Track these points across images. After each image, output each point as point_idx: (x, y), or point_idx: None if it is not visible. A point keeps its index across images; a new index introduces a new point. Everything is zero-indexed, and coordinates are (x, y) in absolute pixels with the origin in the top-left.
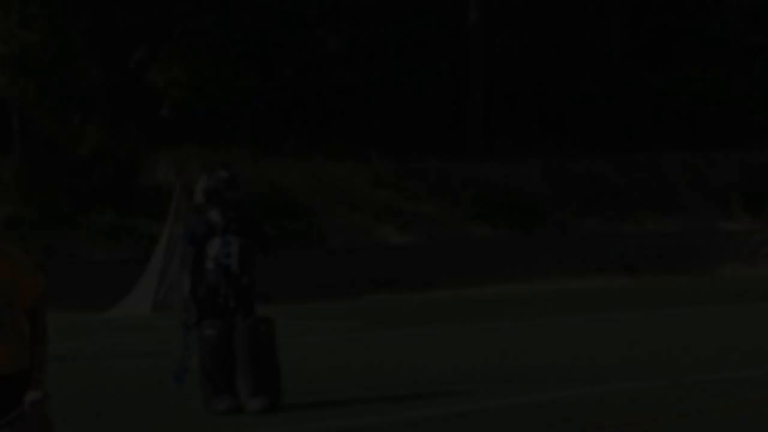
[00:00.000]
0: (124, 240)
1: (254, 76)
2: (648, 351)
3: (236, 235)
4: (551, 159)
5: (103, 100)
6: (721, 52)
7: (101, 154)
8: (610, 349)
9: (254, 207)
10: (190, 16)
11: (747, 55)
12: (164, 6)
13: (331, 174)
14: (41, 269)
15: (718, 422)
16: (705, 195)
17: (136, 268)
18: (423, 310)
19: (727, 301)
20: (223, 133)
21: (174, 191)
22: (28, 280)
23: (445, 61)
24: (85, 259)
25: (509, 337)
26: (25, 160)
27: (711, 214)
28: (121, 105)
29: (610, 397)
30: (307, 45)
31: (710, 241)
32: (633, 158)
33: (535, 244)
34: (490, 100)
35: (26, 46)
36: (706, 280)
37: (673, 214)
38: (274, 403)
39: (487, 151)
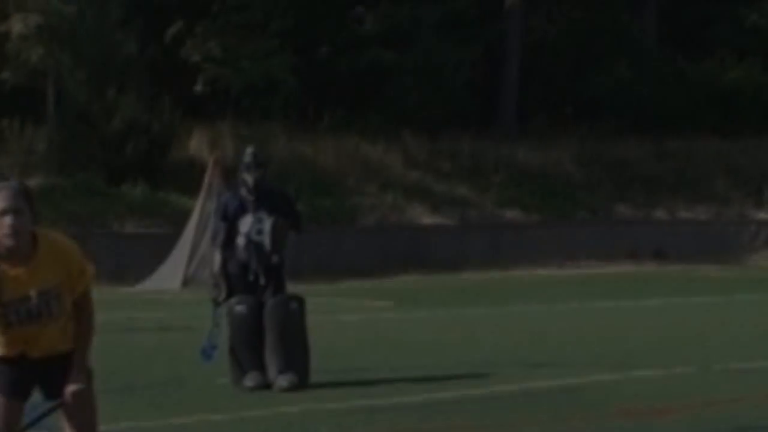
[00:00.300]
0: (156, 214)
1: (290, 54)
2: (677, 338)
3: (268, 213)
4: (584, 143)
5: (139, 73)
6: (756, 41)
7: (135, 127)
8: (639, 335)
9: (286, 184)
10: None
11: None
12: None
13: (363, 153)
14: (88, 259)
15: (746, 411)
16: (737, 183)
17: (167, 242)
18: (452, 291)
19: (757, 290)
20: (257, 110)
21: (207, 166)
22: (77, 270)
23: (481, 43)
24: (117, 232)
25: (538, 321)
26: (59, 131)
27: (742, 203)
28: (157, 79)
29: (639, 384)
30: (343, 24)
31: (741, 230)
32: (666, 145)
33: (565, 228)
34: (525, 82)
35: (63, 18)
36: (736, 269)
37: (705, 201)
38: (302, 381)
39: (520, 134)
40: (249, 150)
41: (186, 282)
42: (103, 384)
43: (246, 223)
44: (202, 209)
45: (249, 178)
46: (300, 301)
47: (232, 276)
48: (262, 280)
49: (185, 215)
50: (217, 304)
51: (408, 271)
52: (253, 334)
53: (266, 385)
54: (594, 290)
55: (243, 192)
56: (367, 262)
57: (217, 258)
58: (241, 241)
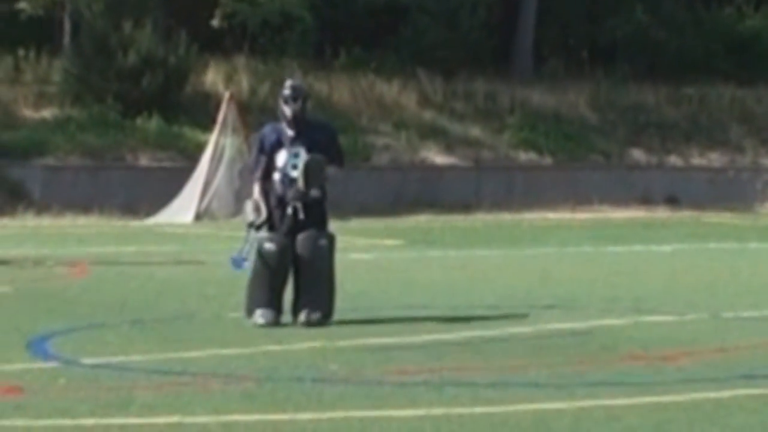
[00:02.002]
0: (170, 147)
1: None
2: (688, 284)
3: (306, 148)
4: (599, 87)
5: (156, 6)
6: None
7: (151, 60)
8: (649, 280)
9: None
10: None
11: None
12: None
13: (378, 92)
14: None
15: (756, 358)
16: (751, 131)
17: (181, 176)
18: (464, 232)
19: None
20: (273, 46)
21: (222, 101)
22: None
23: None
24: (131, 165)
25: (550, 264)
26: (75, 63)
27: (756, 151)
28: (173, 13)
29: (649, 329)
30: None
31: (754, 178)
32: (681, 91)
33: (579, 171)
34: (541, 25)
35: None
36: (749, 216)
37: (718, 148)
38: (325, 318)
39: (535, 77)
40: (288, 82)
41: (198, 216)
42: (114, 317)
43: (282, 158)
44: (216, 144)
45: (288, 110)
46: (330, 238)
47: (270, 210)
48: (301, 215)
49: (199, 149)
50: (255, 227)
51: (420, 211)
52: (277, 274)
53: (277, 324)
54: (606, 235)
55: (282, 125)
56: (380, 201)
57: (256, 188)
58: (277, 176)
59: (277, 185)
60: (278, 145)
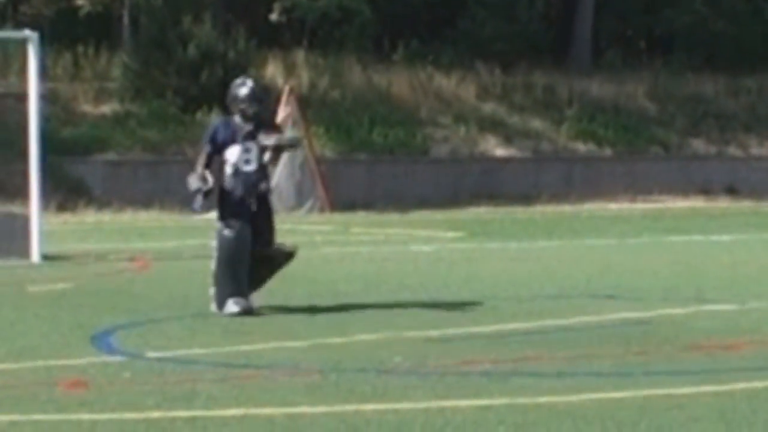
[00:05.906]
0: None
1: None
2: (749, 274)
3: (256, 141)
4: (658, 78)
5: (215, 1)
6: None
7: (210, 55)
8: (710, 270)
9: (359, 115)
10: None
11: None
12: None
13: (437, 85)
14: None
15: None
16: None
17: None
18: (524, 223)
19: None
20: (332, 40)
21: (282, 96)
22: None
23: None
24: (191, 160)
25: (610, 255)
26: (134, 58)
27: None
28: (232, 7)
29: (711, 318)
30: None
31: None
32: (740, 81)
33: (638, 162)
34: (599, 16)
35: None
36: None
37: None
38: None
39: (594, 68)
40: (247, 85)
41: None
42: (177, 311)
43: (234, 153)
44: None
45: (246, 110)
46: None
47: (224, 201)
48: (253, 207)
49: None
50: (203, 194)
51: (480, 203)
52: (239, 260)
53: (250, 311)
54: (666, 225)
55: (236, 119)
56: (439, 193)
57: (199, 167)
58: (228, 170)
59: (229, 179)
60: (231, 140)
